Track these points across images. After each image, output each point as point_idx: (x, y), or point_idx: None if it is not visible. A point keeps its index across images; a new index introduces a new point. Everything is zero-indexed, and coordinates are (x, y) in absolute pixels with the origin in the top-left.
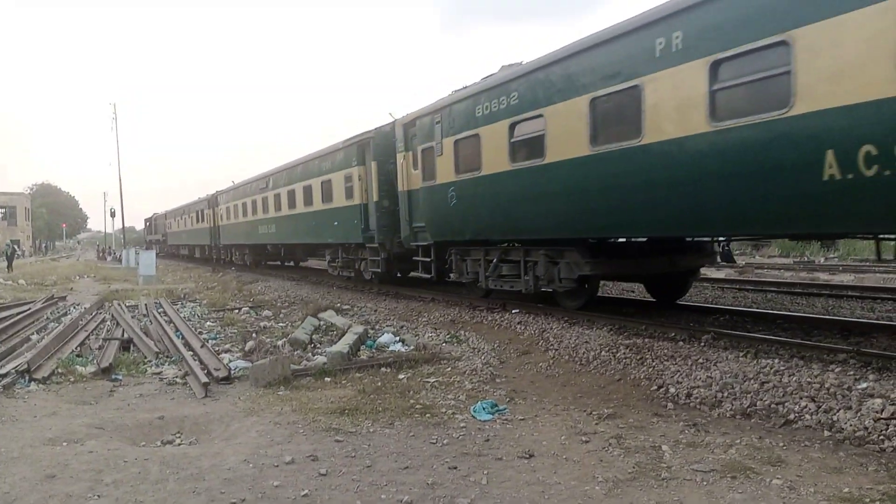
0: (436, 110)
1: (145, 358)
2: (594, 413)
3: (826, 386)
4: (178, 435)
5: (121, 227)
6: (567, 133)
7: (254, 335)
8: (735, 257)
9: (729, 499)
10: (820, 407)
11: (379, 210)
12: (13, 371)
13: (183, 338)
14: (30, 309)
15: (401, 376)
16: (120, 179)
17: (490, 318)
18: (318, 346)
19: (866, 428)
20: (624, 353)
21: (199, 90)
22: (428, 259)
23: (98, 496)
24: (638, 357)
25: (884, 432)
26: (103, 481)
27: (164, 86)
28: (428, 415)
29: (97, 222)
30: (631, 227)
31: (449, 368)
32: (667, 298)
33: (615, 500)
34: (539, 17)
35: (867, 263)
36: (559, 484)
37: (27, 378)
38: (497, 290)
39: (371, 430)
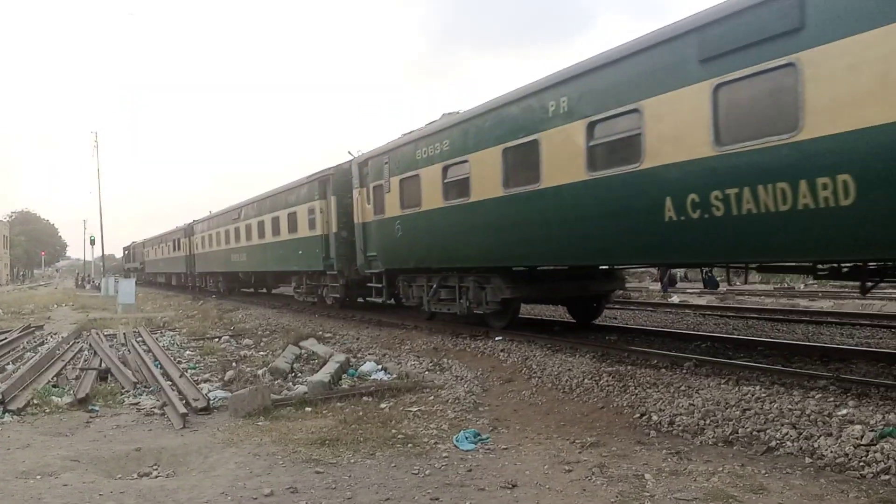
0: (385, 152)
1: (123, 388)
2: (577, 441)
3: (807, 412)
4: (155, 467)
5: (101, 254)
6: (486, 176)
7: (234, 364)
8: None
9: None
10: (801, 434)
11: (338, 240)
12: None
13: (161, 367)
14: (6, 338)
15: (383, 405)
16: (100, 207)
17: (473, 346)
18: (299, 375)
19: (847, 454)
20: (607, 381)
21: (180, 118)
22: (380, 285)
23: None
24: (621, 384)
25: (864, 458)
26: None
27: (144, 115)
28: (410, 445)
29: (76, 250)
30: (536, 257)
31: (431, 397)
32: (584, 319)
33: None
34: (521, 46)
35: (845, 290)
36: None
37: (1, 409)
38: (438, 312)
39: (352, 460)
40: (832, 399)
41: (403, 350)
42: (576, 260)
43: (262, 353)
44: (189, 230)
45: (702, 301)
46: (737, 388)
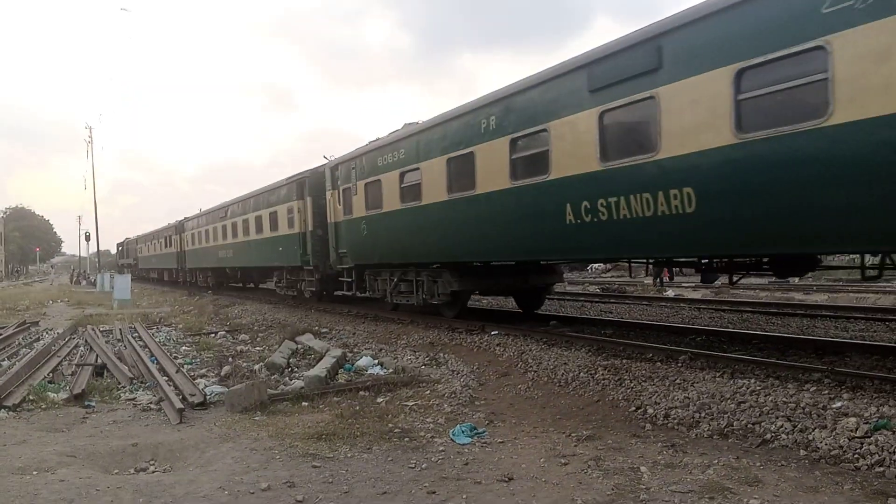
0: (352, 158)
1: (119, 384)
2: (573, 435)
3: (801, 405)
4: (152, 462)
5: (96, 250)
6: (434, 182)
7: (230, 359)
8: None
9: None
10: (796, 426)
11: (313, 238)
12: None
13: (158, 363)
14: (1, 335)
15: (379, 400)
16: (95, 203)
17: (469, 340)
18: (296, 370)
19: (841, 447)
20: (602, 375)
21: (178, 112)
22: (350, 279)
23: None
24: (616, 378)
25: (858, 451)
26: None
27: (142, 107)
28: (406, 439)
29: (71, 246)
30: (475, 255)
31: (428, 391)
32: (529, 309)
33: None
34: (512, 45)
35: (840, 283)
36: None
37: None
38: (399, 303)
39: (349, 455)
40: (827, 392)
41: (399, 345)
42: (504, 257)
43: (258, 348)
44: (180, 227)
45: (697, 295)
46: (732, 381)
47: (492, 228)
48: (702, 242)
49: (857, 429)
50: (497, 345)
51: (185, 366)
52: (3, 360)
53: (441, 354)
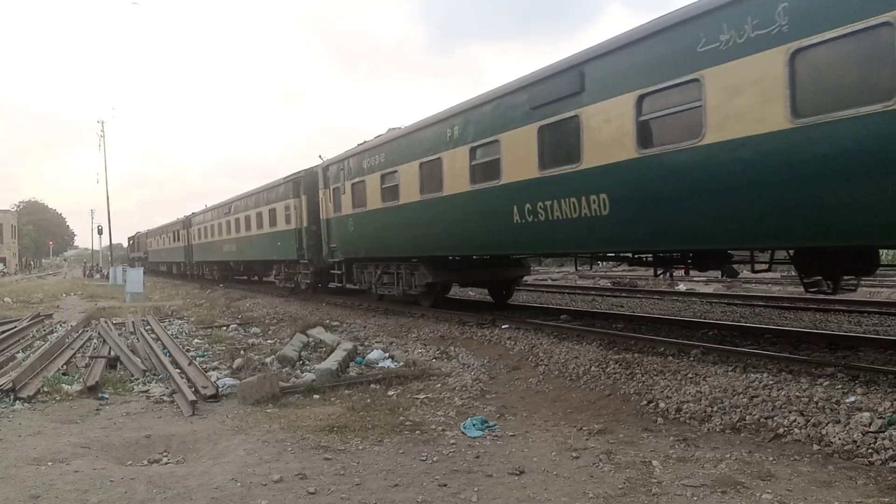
0: (341, 159)
1: (132, 376)
2: (584, 429)
3: (814, 400)
4: (165, 454)
5: (108, 244)
6: (409, 184)
7: (242, 352)
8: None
9: None
10: (809, 421)
11: (308, 233)
12: None
13: (170, 355)
14: (15, 327)
15: (390, 393)
16: (108, 197)
17: (480, 334)
18: (307, 363)
19: (855, 441)
20: (614, 369)
21: (189, 106)
22: (340, 272)
23: None
24: (628, 372)
25: (872, 446)
26: (89, 501)
27: (151, 102)
28: (418, 432)
29: (84, 239)
30: (443, 249)
31: (439, 385)
32: (500, 300)
33: None
34: (525, 36)
35: (853, 277)
36: (550, 500)
37: (12, 397)
38: (384, 294)
39: (360, 447)
40: (840, 386)
41: (410, 338)
42: (466, 251)
43: (269, 341)
44: (187, 222)
45: (708, 289)
46: (744, 376)
47: (456, 226)
48: (615, 240)
49: (871, 423)
50: (508, 338)
51: (198, 358)
52: (18, 352)
53: (452, 348)
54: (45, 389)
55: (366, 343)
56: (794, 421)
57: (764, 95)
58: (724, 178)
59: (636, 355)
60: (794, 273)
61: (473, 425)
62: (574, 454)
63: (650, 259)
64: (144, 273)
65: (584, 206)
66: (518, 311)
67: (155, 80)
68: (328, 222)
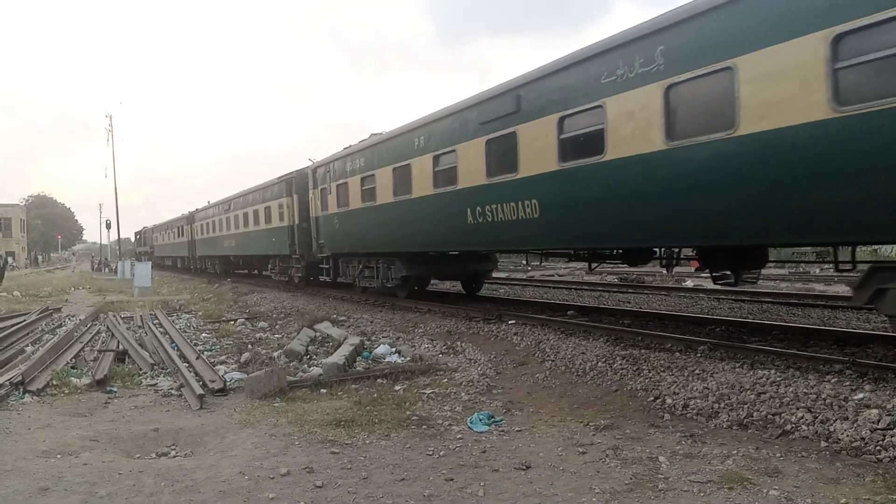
0: (328, 162)
1: (140, 370)
2: (591, 424)
3: (822, 396)
4: (173, 447)
5: (116, 238)
6: (384, 186)
7: (249, 347)
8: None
9: None
10: (816, 417)
11: (299, 230)
12: (7, 383)
13: (178, 349)
14: (24, 321)
15: (397, 388)
16: (116, 191)
17: (486, 330)
18: (314, 357)
19: (863, 438)
20: (620, 364)
21: (195, 100)
22: (328, 266)
23: None
24: (634, 368)
25: (880, 443)
26: (97, 494)
27: (159, 97)
28: (424, 426)
29: (93, 233)
30: (414, 246)
31: (445, 380)
32: (471, 292)
33: None
34: (534, 31)
35: (858, 274)
36: (556, 495)
37: (21, 390)
38: (366, 287)
39: (367, 441)
40: (848, 383)
41: (417, 333)
42: (432, 247)
43: (277, 335)
44: (191, 218)
45: (716, 285)
46: (751, 372)
47: (423, 225)
48: (544, 239)
49: (879, 420)
50: (514, 334)
51: (205, 352)
52: (27, 345)
53: (458, 343)
54: (54, 383)
55: (373, 338)
56: (802, 417)
57: (648, 121)
58: (621, 188)
59: (643, 351)
60: (801, 270)
61: (480, 420)
62: (580, 449)
63: (586, 255)
64: (151, 267)
65: (521, 210)
66: (524, 307)
67: (162, 75)
68: (317, 220)
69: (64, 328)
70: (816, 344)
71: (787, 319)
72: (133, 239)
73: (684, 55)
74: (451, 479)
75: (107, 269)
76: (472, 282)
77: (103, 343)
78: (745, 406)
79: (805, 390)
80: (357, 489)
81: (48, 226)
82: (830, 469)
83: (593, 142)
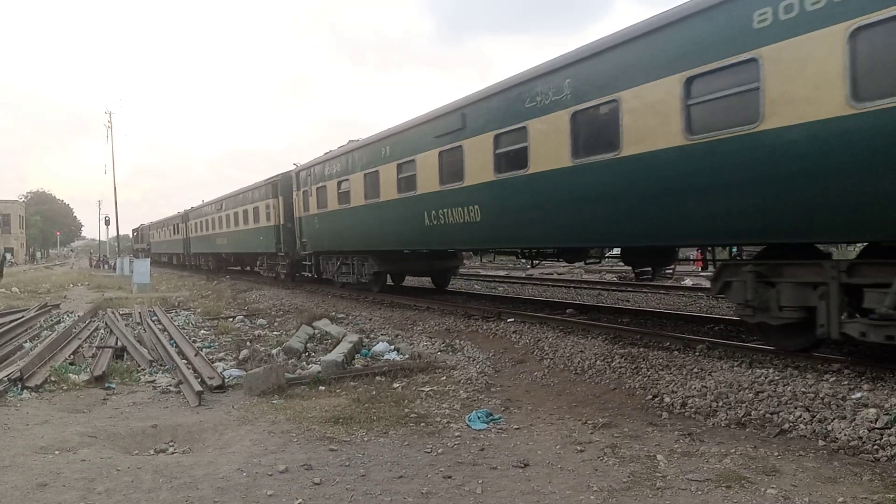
0: (310, 166)
1: (139, 366)
2: (589, 422)
3: (820, 396)
4: (171, 443)
5: (115, 235)
6: (357, 190)
7: (248, 344)
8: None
9: None
10: (814, 416)
11: (284, 230)
12: (5, 379)
13: (177, 346)
14: (23, 317)
15: (395, 385)
16: (115, 187)
17: (485, 328)
18: (313, 354)
19: (860, 437)
20: (619, 363)
21: (194, 97)
22: (310, 263)
23: None
24: (633, 366)
25: (878, 442)
26: (96, 490)
27: (159, 93)
28: (423, 424)
29: (92, 230)
30: (381, 244)
31: (444, 377)
32: (439, 287)
33: None
34: (535, 29)
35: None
36: (554, 493)
37: (20, 386)
38: (344, 282)
39: (365, 438)
40: (846, 382)
41: (416, 331)
42: (397, 246)
43: (275, 332)
44: (185, 217)
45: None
46: (750, 371)
47: (390, 226)
48: (485, 240)
49: (877, 420)
50: (513, 332)
51: (204, 349)
52: (26, 341)
53: (457, 341)
54: (53, 379)
55: (371, 335)
56: (800, 416)
57: (559, 142)
58: (540, 197)
59: (642, 350)
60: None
61: (478, 418)
62: (579, 447)
63: (534, 252)
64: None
65: (467, 214)
66: (523, 305)
67: (162, 72)
68: (300, 220)
69: (62, 324)
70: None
71: None
72: (131, 236)
73: (585, 87)
74: (450, 477)
75: (106, 266)
76: (440, 278)
77: (102, 339)
78: (744, 405)
79: (803, 389)
80: (355, 486)
81: (47, 222)
82: (828, 468)
83: (520, 157)
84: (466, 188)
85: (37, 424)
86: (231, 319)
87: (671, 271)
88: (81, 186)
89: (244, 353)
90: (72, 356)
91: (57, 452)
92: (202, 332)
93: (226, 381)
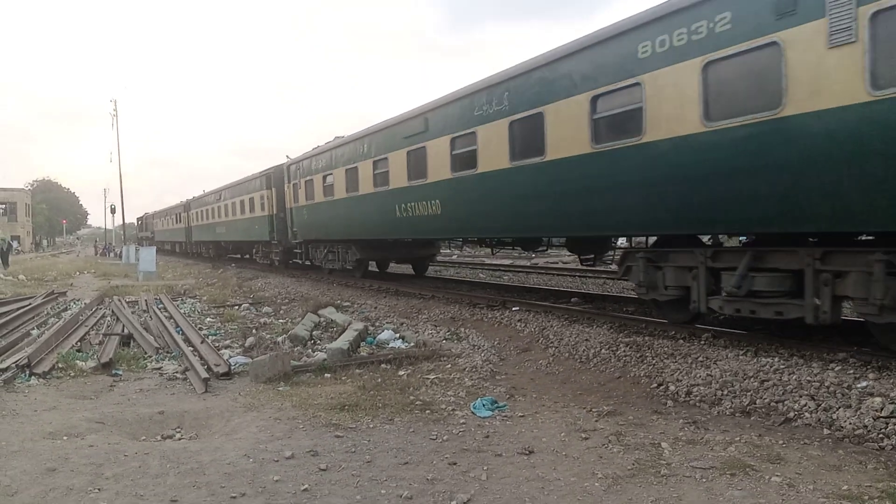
0: (299, 160)
1: (145, 353)
2: (594, 410)
3: (826, 384)
4: (178, 430)
5: (121, 223)
6: (339, 184)
7: (254, 331)
8: None
9: (728, 496)
10: (819, 405)
11: (277, 220)
12: (14, 366)
13: (183, 333)
14: (30, 304)
15: (401, 373)
16: (120, 176)
17: (490, 316)
18: (318, 342)
19: (865, 426)
20: (624, 351)
21: (200, 87)
22: (300, 251)
23: (98, 490)
24: (638, 355)
25: (883, 430)
26: (104, 475)
27: (165, 82)
28: (428, 411)
29: (97, 218)
30: (361, 233)
31: (449, 365)
32: (418, 273)
33: (615, 496)
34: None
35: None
36: (559, 480)
37: (27, 373)
38: (331, 269)
39: (371, 425)
40: (852, 371)
41: (421, 319)
42: (374, 235)
43: (281, 320)
44: (187, 206)
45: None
46: (755, 360)
47: (367, 217)
48: (445, 230)
49: (882, 408)
50: (518, 320)
51: (210, 337)
52: (33, 328)
53: (462, 329)
54: (60, 366)
55: (377, 323)
56: (805, 405)
57: (500, 146)
58: (487, 193)
59: (647, 338)
60: None
61: (483, 405)
62: (583, 435)
63: (493, 241)
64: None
65: (430, 208)
66: (528, 294)
67: (169, 59)
68: (291, 211)
69: (69, 312)
70: (820, 332)
71: None
72: (136, 224)
73: (519, 100)
74: (455, 464)
75: (111, 254)
76: (418, 265)
77: (108, 327)
78: (749, 393)
79: (808, 378)
80: (361, 472)
81: (53, 210)
82: (833, 456)
83: (471, 158)
84: (429, 184)
85: (45, 410)
86: (237, 307)
87: (611, 259)
88: (87, 175)
89: (250, 340)
90: (79, 343)
91: (65, 438)
92: (208, 319)
93: (232, 368)
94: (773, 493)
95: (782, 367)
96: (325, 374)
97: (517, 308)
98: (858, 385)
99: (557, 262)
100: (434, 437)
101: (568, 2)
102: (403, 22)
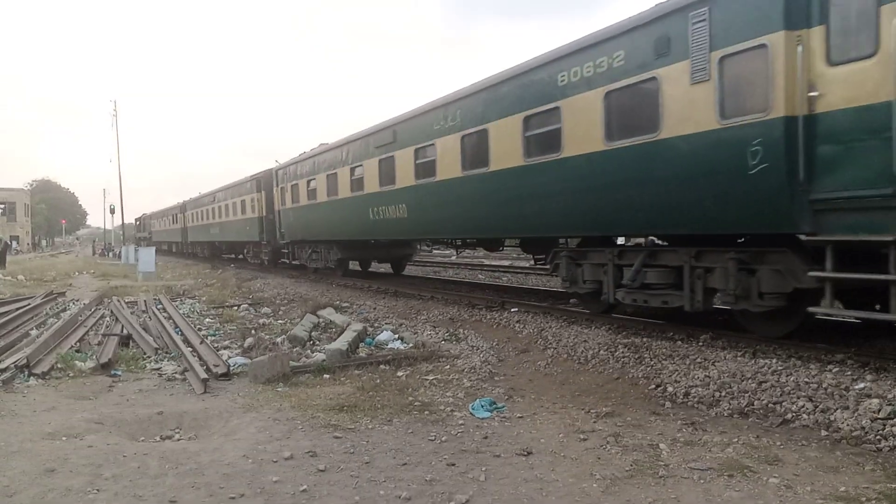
0: (286, 166)
1: (144, 354)
2: (592, 411)
3: (823, 386)
4: (177, 430)
5: (120, 223)
6: (321, 188)
7: (253, 332)
8: None
9: (726, 497)
10: (817, 406)
11: (266, 221)
12: (12, 366)
13: (182, 334)
14: (29, 304)
15: (399, 374)
16: (120, 176)
17: (489, 317)
18: (317, 343)
19: (863, 428)
20: (622, 352)
21: (199, 87)
22: (287, 251)
23: (97, 490)
24: (636, 356)
25: (880, 432)
26: (103, 475)
27: (163, 84)
28: (426, 412)
29: (97, 218)
30: (340, 234)
31: (448, 366)
32: (396, 272)
33: (612, 497)
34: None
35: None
36: (557, 481)
37: (26, 373)
38: (315, 267)
39: (370, 426)
40: (850, 373)
41: (419, 320)
42: (351, 237)
43: (280, 321)
44: (183, 207)
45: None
46: (753, 361)
47: (346, 219)
48: (412, 232)
49: (879, 410)
50: (517, 322)
51: (209, 337)
52: (32, 329)
53: (461, 330)
54: (59, 366)
55: (375, 324)
56: (803, 406)
57: (455, 157)
58: (445, 199)
59: (645, 339)
60: None
61: (482, 406)
62: (581, 436)
63: (458, 242)
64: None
65: (398, 211)
66: (527, 295)
67: (169, 59)
68: (279, 213)
69: (68, 312)
70: (818, 334)
71: None
72: (134, 225)
73: (469, 117)
74: (453, 465)
75: (111, 254)
76: (397, 264)
77: (108, 327)
78: (746, 395)
79: (806, 379)
80: (359, 473)
81: (52, 210)
82: (830, 458)
83: (431, 167)
84: (397, 190)
85: (44, 411)
86: (236, 308)
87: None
88: (87, 175)
89: (249, 341)
90: (78, 344)
91: (64, 438)
92: (207, 320)
93: (231, 368)
94: (770, 495)
95: (780, 368)
96: (324, 375)
97: (516, 309)
98: (856, 387)
99: None
100: (433, 437)
101: (563, 2)
102: (404, 22)
